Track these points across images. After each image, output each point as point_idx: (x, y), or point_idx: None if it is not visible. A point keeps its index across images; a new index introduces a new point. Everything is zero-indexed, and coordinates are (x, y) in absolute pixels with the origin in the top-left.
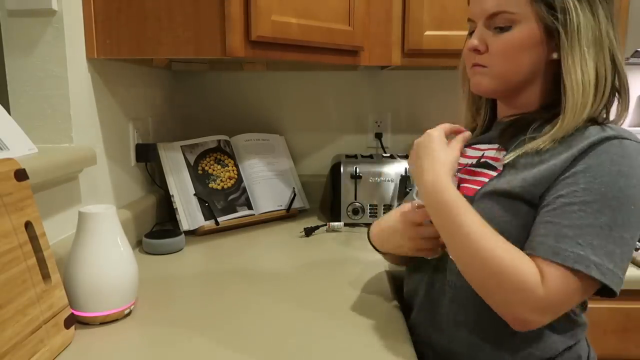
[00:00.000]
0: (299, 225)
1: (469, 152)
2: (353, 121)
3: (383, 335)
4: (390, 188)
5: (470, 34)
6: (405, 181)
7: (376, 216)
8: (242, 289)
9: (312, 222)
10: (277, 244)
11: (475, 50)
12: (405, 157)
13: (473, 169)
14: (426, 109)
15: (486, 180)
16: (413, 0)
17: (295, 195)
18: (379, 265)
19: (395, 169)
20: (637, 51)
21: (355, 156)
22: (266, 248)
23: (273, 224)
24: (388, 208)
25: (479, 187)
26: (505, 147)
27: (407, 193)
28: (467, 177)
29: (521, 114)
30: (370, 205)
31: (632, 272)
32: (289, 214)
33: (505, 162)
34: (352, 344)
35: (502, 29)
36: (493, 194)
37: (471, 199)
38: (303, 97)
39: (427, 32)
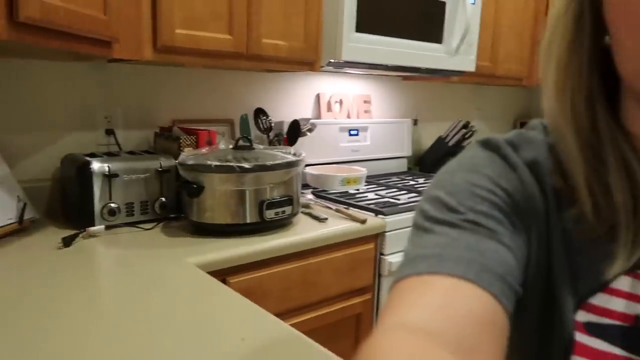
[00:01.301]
0: (44, 238)
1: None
2: (79, 117)
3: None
4: (143, 184)
5: None
6: (160, 175)
7: (133, 215)
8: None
9: (52, 232)
10: (30, 262)
11: None
12: (146, 152)
13: None
14: (157, 105)
15: None
16: None
17: (25, 204)
18: (159, 259)
19: (147, 165)
20: (330, 62)
21: (93, 154)
22: (17, 270)
23: (7, 241)
24: (144, 205)
25: None
26: None
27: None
28: None
29: None
30: (126, 204)
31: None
32: (22, 227)
33: None
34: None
35: None
36: None
37: None
38: (14, 91)
39: (178, 31)
